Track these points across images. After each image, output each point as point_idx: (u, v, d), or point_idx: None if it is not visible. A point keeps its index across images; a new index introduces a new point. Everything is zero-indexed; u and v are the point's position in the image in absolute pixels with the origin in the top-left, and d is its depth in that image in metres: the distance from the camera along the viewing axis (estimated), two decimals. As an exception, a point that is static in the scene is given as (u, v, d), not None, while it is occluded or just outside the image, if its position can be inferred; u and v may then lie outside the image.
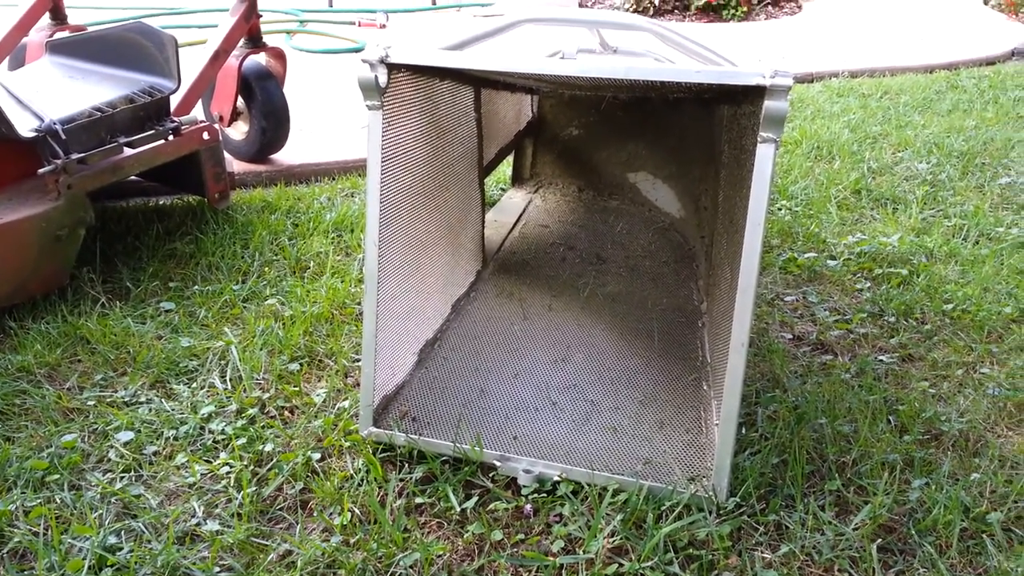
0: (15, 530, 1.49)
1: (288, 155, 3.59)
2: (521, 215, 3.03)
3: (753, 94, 1.69)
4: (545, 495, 1.60)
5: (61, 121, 2.29)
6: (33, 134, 2.23)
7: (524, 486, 1.62)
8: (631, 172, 3.08)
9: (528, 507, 1.58)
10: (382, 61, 1.63)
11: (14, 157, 2.32)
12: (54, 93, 2.51)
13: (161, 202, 3.06)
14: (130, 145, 2.48)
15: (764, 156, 1.45)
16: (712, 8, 7.13)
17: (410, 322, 2.05)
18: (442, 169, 2.17)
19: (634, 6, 7.21)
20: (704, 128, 2.61)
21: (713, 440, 1.79)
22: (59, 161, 2.24)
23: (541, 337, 2.21)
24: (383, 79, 1.63)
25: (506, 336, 2.21)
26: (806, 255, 2.65)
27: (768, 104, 1.44)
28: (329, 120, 4.12)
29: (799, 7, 7.63)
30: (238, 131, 3.49)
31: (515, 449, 1.74)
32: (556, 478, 1.64)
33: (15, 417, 1.83)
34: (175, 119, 2.63)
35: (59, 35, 3.56)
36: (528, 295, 2.44)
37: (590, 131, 3.18)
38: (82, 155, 2.30)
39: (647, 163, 3.05)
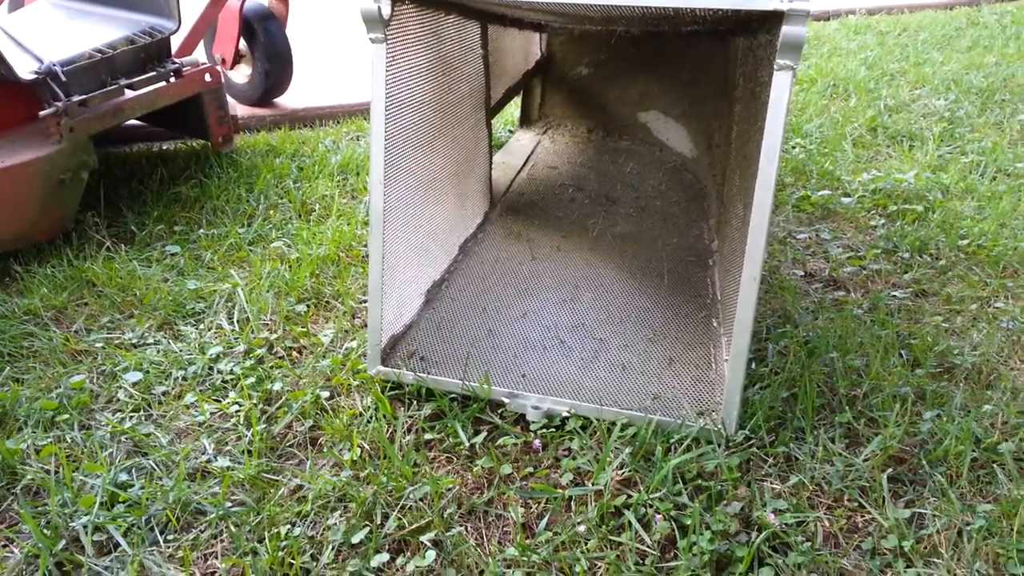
0: (27, 468, 1.50)
1: (292, 99, 3.54)
2: (529, 157, 2.98)
3: (770, 21, 1.63)
4: (554, 431, 1.60)
5: (61, 63, 2.25)
6: (33, 76, 2.19)
7: (533, 422, 1.62)
8: (642, 111, 3.02)
9: (537, 442, 1.57)
10: None
11: (14, 100, 2.28)
12: (54, 35, 2.46)
13: (165, 147, 3.03)
14: (131, 87, 2.44)
15: (781, 84, 1.40)
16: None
17: (417, 263, 2.03)
18: (448, 108, 2.12)
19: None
20: (718, 62, 2.55)
21: (723, 375, 1.77)
22: (60, 103, 2.20)
23: (549, 277, 2.19)
24: (386, 10, 1.58)
25: (514, 276, 2.19)
26: (820, 193, 2.60)
27: (786, 29, 1.39)
28: (332, 62, 4.05)
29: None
30: (241, 74, 3.44)
31: (523, 387, 1.73)
32: (565, 414, 1.63)
33: (23, 359, 1.84)
34: (176, 61, 2.59)
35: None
36: (536, 236, 2.41)
37: (600, 69, 3.11)
38: (83, 97, 2.27)
39: (658, 101, 2.98)
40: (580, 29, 3.03)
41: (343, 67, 4.04)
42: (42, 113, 2.19)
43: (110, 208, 2.46)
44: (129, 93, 2.44)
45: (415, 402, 1.70)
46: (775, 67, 1.39)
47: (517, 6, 1.95)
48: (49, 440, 1.57)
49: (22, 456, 1.53)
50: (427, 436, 1.60)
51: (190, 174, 2.74)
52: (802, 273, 2.18)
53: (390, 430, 1.60)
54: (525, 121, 3.25)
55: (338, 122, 3.44)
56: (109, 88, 2.37)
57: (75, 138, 2.25)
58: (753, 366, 1.75)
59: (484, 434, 1.58)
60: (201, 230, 2.41)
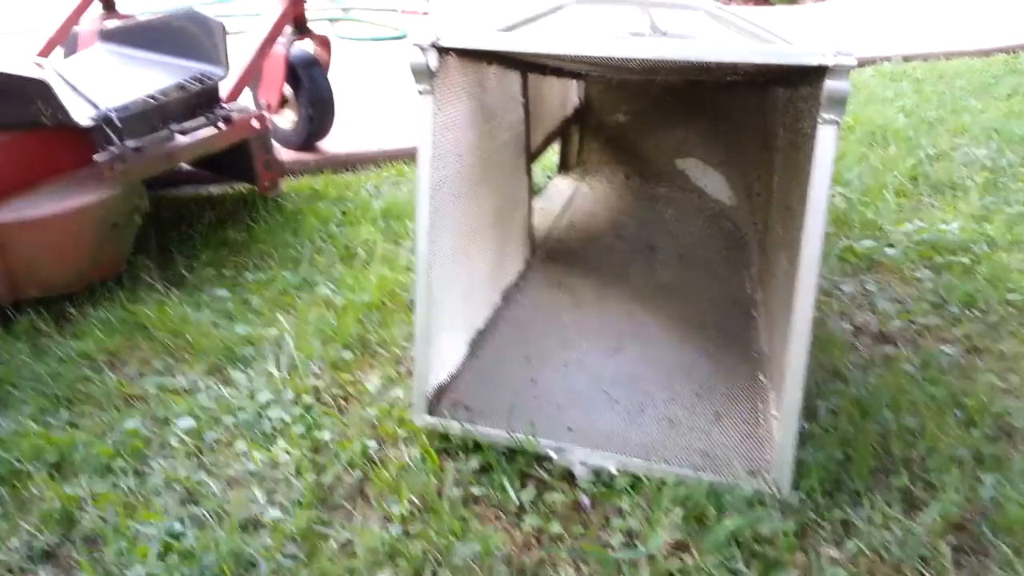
0: (84, 514, 1.52)
1: (334, 143, 3.60)
2: (568, 203, 3.00)
3: (813, 75, 1.64)
4: (602, 487, 1.59)
5: (116, 109, 2.31)
6: (90, 122, 2.26)
7: (580, 478, 1.61)
8: (680, 158, 3.04)
9: (585, 500, 1.57)
10: (433, 45, 1.62)
11: (70, 145, 2.34)
12: (108, 81, 2.54)
13: (212, 190, 3.09)
14: (182, 132, 2.50)
15: (825, 138, 1.41)
16: (758, -11, 6.99)
17: (461, 311, 2.05)
18: (491, 155, 2.15)
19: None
20: (757, 112, 2.56)
21: (771, 432, 1.76)
22: (115, 149, 2.26)
23: (592, 327, 2.19)
24: (434, 63, 1.62)
25: (556, 325, 2.20)
26: (863, 243, 2.59)
27: (830, 84, 1.40)
28: (373, 108, 4.12)
29: (847, -12, 7.44)
30: (285, 119, 3.51)
31: (570, 440, 1.73)
32: (613, 470, 1.62)
33: (79, 403, 1.87)
34: (225, 107, 2.65)
35: (109, 23, 3.61)
36: (578, 284, 2.42)
37: (638, 117, 3.14)
38: (137, 143, 2.33)
39: (697, 149, 3.00)
40: (618, 79, 3.06)
41: (382, 112, 4.11)
42: (97, 158, 2.25)
43: (161, 251, 2.51)
44: (180, 139, 2.50)
45: (462, 454, 1.70)
46: (819, 121, 1.41)
47: (561, 58, 1.98)
48: (105, 487, 1.59)
49: (79, 503, 1.55)
50: (475, 490, 1.59)
51: (238, 218, 2.79)
52: (850, 327, 2.16)
53: (438, 484, 1.60)
54: (563, 167, 3.28)
55: (379, 166, 3.49)
56: (161, 134, 2.43)
57: (128, 183, 2.30)
58: (803, 424, 1.73)
59: (533, 490, 1.58)
60: (249, 274, 2.45)
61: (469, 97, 1.91)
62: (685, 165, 3.02)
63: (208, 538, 1.45)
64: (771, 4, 6.92)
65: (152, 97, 2.43)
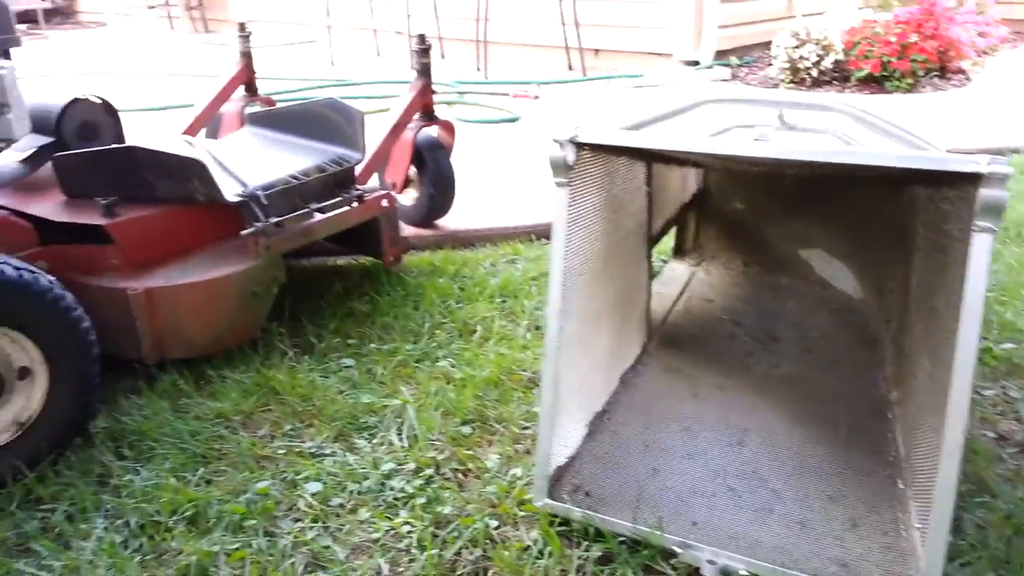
0: (218, 571, 1.57)
1: (452, 220, 3.73)
2: (684, 288, 2.99)
3: (960, 179, 1.61)
4: (731, 588, 1.53)
5: (262, 187, 2.48)
6: (238, 199, 2.42)
7: (707, 576, 1.56)
8: (803, 248, 2.99)
9: (713, 599, 1.51)
10: (571, 140, 1.67)
11: (218, 219, 2.51)
12: (254, 161, 2.72)
13: (339, 262, 3.23)
14: (320, 211, 2.64)
15: (981, 246, 1.37)
16: (874, 79, 6.90)
17: (581, 393, 2.05)
18: (617, 243, 2.18)
19: (790, 76, 7.10)
20: (890, 208, 2.51)
21: (914, 545, 1.66)
22: (259, 224, 2.41)
23: (713, 418, 2.15)
24: (571, 157, 1.68)
25: (677, 414, 2.16)
26: (1003, 346, 2.46)
27: (985, 193, 1.37)
28: (487, 187, 4.26)
29: (968, 79, 7.26)
30: (408, 197, 3.66)
31: (695, 536, 1.68)
32: (743, 573, 1.56)
33: (214, 461, 1.96)
34: (359, 187, 2.80)
35: (251, 106, 3.91)
36: (697, 372, 2.39)
37: (757, 205, 3.12)
38: (279, 219, 2.48)
39: (821, 240, 2.94)
40: (739, 169, 3.07)
41: (496, 191, 4.24)
42: (243, 233, 2.40)
43: (292, 319, 2.63)
44: (317, 216, 2.64)
45: (583, 541, 1.67)
46: (975, 228, 1.37)
47: (696, 155, 2.01)
48: (238, 544, 1.65)
49: (214, 558, 1.60)
50: (597, 580, 1.56)
51: (363, 290, 2.90)
52: (993, 435, 2.04)
53: (561, 570, 1.58)
54: (679, 252, 3.28)
55: (495, 244, 3.58)
56: (301, 212, 2.58)
57: (270, 256, 2.44)
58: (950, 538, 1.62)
59: (658, 584, 1.53)
60: (372, 344, 2.53)
61: (600, 188, 1.96)
62: (809, 256, 2.97)
63: (335, 606, 1.47)
64: (887, 92, 6.82)
65: (294, 177, 2.60)
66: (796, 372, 2.40)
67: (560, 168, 1.69)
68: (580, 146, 1.69)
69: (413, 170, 3.57)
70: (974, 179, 1.40)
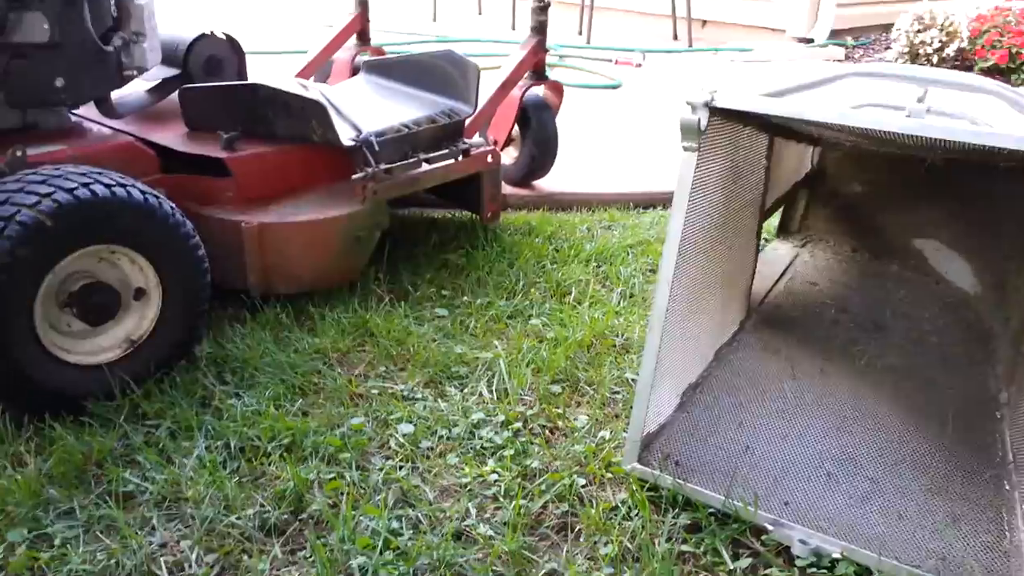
0: (313, 498, 1.63)
1: (548, 182, 3.70)
2: (787, 269, 2.89)
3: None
4: (822, 571, 1.49)
5: (375, 134, 2.51)
6: (352, 143, 2.46)
7: (799, 556, 1.52)
8: (918, 238, 2.85)
9: (802, 580, 1.47)
10: (706, 104, 1.62)
11: (329, 161, 2.56)
12: (368, 108, 2.76)
13: (435, 215, 3.26)
14: (427, 161, 2.66)
15: None
16: (1000, 71, 6.48)
17: (678, 363, 2.01)
18: (732, 215, 2.12)
19: (908, 61, 6.73)
20: (1021, 202, 2.36)
21: (1019, 547, 1.58)
22: (370, 170, 2.45)
23: (812, 401, 2.08)
24: (704, 122, 1.63)
25: (773, 393, 2.11)
26: None
27: None
28: (585, 152, 4.21)
29: (1108, 73, 6.74)
30: (508, 155, 3.65)
31: (787, 515, 1.64)
32: (836, 555, 1.52)
33: (311, 394, 2.01)
34: (466, 141, 2.80)
35: (362, 56, 3.95)
36: (796, 354, 2.31)
37: (874, 190, 2.98)
38: (388, 166, 2.51)
39: (940, 231, 2.80)
40: (859, 147, 2.93)
41: (595, 157, 4.19)
42: (354, 177, 2.44)
43: (390, 266, 2.67)
44: (424, 166, 2.66)
45: (670, 508, 1.65)
46: None
47: (838, 130, 1.91)
48: (332, 475, 1.69)
49: (309, 486, 1.66)
50: (683, 547, 1.55)
51: (458, 244, 2.92)
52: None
53: (648, 533, 1.56)
54: (783, 231, 3.17)
55: (591, 209, 3.54)
56: (409, 160, 2.60)
57: (376, 201, 2.48)
58: (1064, 546, 1.54)
59: (747, 560, 1.51)
60: (466, 297, 2.55)
61: (724, 157, 1.90)
62: (924, 246, 2.82)
63: (423, 542, 1.50)
64: (1013, 84, 6.40)
65: (406, 126, 2.62)
66: (902, 363, 2.30)
67: (691, 132, 1.64)
68: (713, 111, 1.63)
69: (516, 129, 3.55)
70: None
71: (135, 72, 2.30)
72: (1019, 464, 1.81)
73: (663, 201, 3.65)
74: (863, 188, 2.99)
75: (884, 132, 1.52)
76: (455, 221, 3.18)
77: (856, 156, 3.00)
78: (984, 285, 2.64)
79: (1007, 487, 1.77)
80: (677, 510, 1.63)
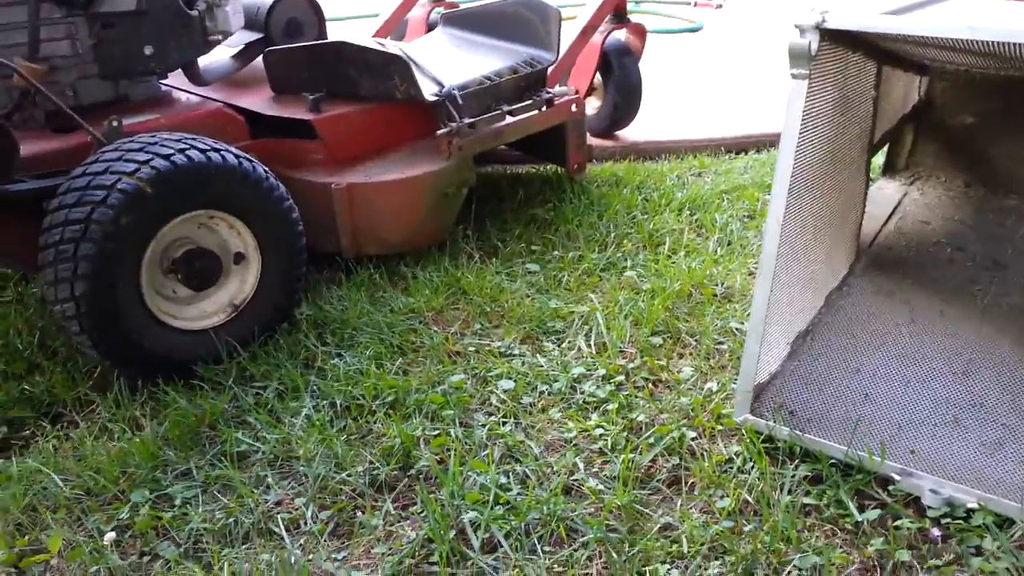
0: (420, 454, 1.62)
1: (632, 132, 3.59)
2: (896, 208, 2.72)
3: None
4: (958, 521, 1.39)
5: (458, 87, 2.46)
6: (434, 98, 2.42)
7: (930, 507, 1.43)
8: (1039, 168, 2.63)
9: (935, 531, 1.39)
10: (817, 27, 1.50)
11: (413, 117, 2.53)
12: (448, 61, 2.71)
13: (519, 170, 3.21)
14: (511, 113, 2.60)
15: None
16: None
17: (787, 309, 1.91)
18: (839, 150, 1.99)
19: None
20: None
21: None
22: (454, 124, 2.40)
23: (933, 344, 1.96)
24: (815, 45, 1.51)
25: (891, 338, 1.99)
26: None
27: None
28: (668, 99, 4.06)
29: None
30: (590, 105, 3.55)
31: (914, 464, 1.55)
32: (971, 505, 1.42)
33: (410, 352, 2.01)
34: (549, 91, 2.72)
35: (436, 11, 3.89)
36: (913, 296, 2.18)
37: (987, 120, 2.77)
38: (472, 120, 2.46)
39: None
40: (970, 75, 2.72)
41: (678, 103, 4.05)
42: (439, 133, 2.41)
43: (477, 223, 2.63)
44: (508, 119, 2.60)
45: (787, 460, 1.58)
46: None
47: (968, 50, 1.75)
48: (437, 432, 1.69)
49: (415, 442, 1.65)
50: (805, 500, 1.47)
51: (544, 198, 2.86)
52: None
53: (763, 485, 1.50)
54: (889, 169, 2.99)
55: (680, 157, 3.42)
56: (493, 113, 2.55)
57: (462, 157, 2.44)
58: None
59: (875, 511, 1.42)
60: (556, 252, 2.50)
61: (833, 86, 1.77)
62: (1046, 176, 2.61)
63: (532, 496, 1.48)
64: None
65: (488, 78, 2.56)
66: (1029, 303, 2.14)
67: (801, 58, 1.52)
68: (824, 33, 1.51)
69: (598, 78, 3.44)
70: None
71: (220, 36, 2.31)
72: None
73: (755, 145, 3.50)
74: (974, 119, 2.78)
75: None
76: (540, 175, 3.12)
77: (966, 84, 2.78)
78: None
79: None
80: (796, 462, 1.56)
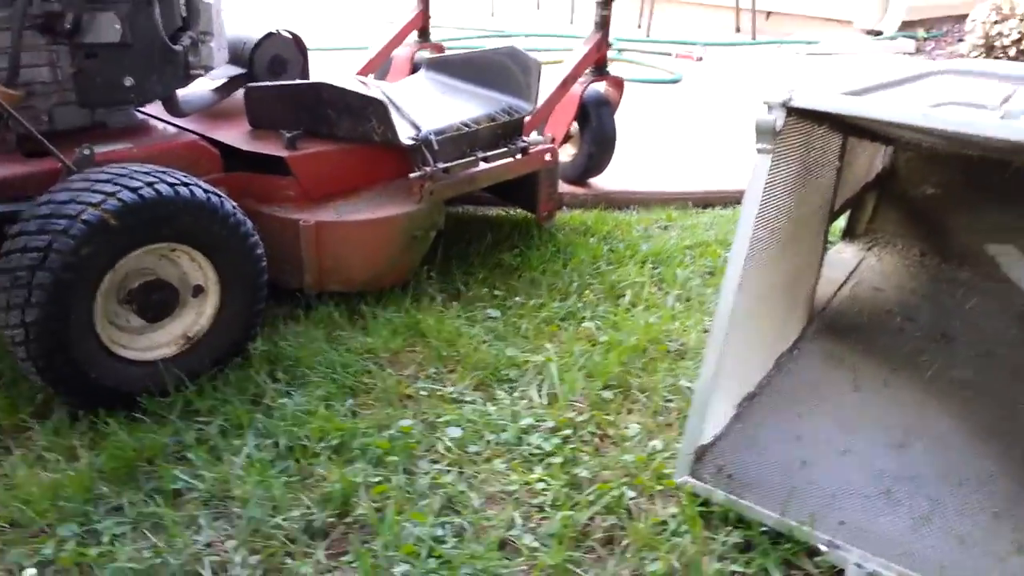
0: (359, 501, 1.63)
1: (604, 180, 3.66)
2: (852, 273, 2.79)
3: None
4: (880, 597, 1.43)
5: (434, 132, 2.50)
6: (411, 142, 2.45)
7: (854, 581, 1.46)
8: (992, 243, 2.71)
9: (858, 606, 1.42)
10: (784, 104, 1.56)
11: (388, 159, 2.56)
12: (428, 105, 2.75)
13: (490, 212, 3.25)
14: (485, 160, 2.65)
15: None
16: (1090, 63, 6.13)
17: (736, 372, 1.96)
18: (801, 218, 2.06)
19: (983, 54, 6.43)
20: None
21: (1094, 582, 1.49)
22: (428, 169, 2.44)
23: (875, 415, 2.00)
24: (780, 123, 1.57)
25: (834, 406, 2.03)
26: None
27: None
28: (643, 149, 4.14)
29: None
30: (565, 153, 3.62)
31: (842, 536, 1.58)
32: (893, 581, 1.46)
33: (362, 394, 2.03)
34: (524, 139, 2.78)
35: (422, 52, 3.97)
36: (859, 364, 2.23)
37: (948, 191, 2.85)
38: (446, 165, 2.50)
39: (1015, 236, 2.66)
40: (933, 147, 2.81)
41: (651, 153, 4.12)
42: (412, 176, 2.44)
43: (443, 264, 2.66)
44: (482, 165, 2.65)
45: (721, 524, 1.61)
46: None
47: (925, 132, 1.82)
48: (379, 478, 1.70)
49: (356, 489, 1.66)
50: (733, 567, 1.50)
51: (512, 243, 2.90)
52: None
53: (696, 551, 1.53)
54: (849, 233, 3.06)
55: (649, 209, 3.48)
56: (467, 159, 2.59)
57: (433, 201, 2.48)
58: None
59: (800, 582, 1.46)
60: (518, 298, 2.54)
61: (797, 159, 1.84)
62: (998, 252, 2.69)
63: (467, 551, 1.50)
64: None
65: (465, 125, 2.60)
66: (970, 378, 2.20)
67: (767, 133, 1.58)
68: (790, 111, 1.57)
69: (575, 126, 3.51)
70: None
71: (202, 71, 2.35)
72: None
73: (722, 200, 3.58)
74: (935, 189, 2.86)
75: (974, 135, 1.44)
76: (510, 219, 3.16)
77: (929, 157, 2.87)
78: (1065, 296, 2.51)
79: (1081, 514, 1.67)
80: (729, 527, 1.59)
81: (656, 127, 4.62)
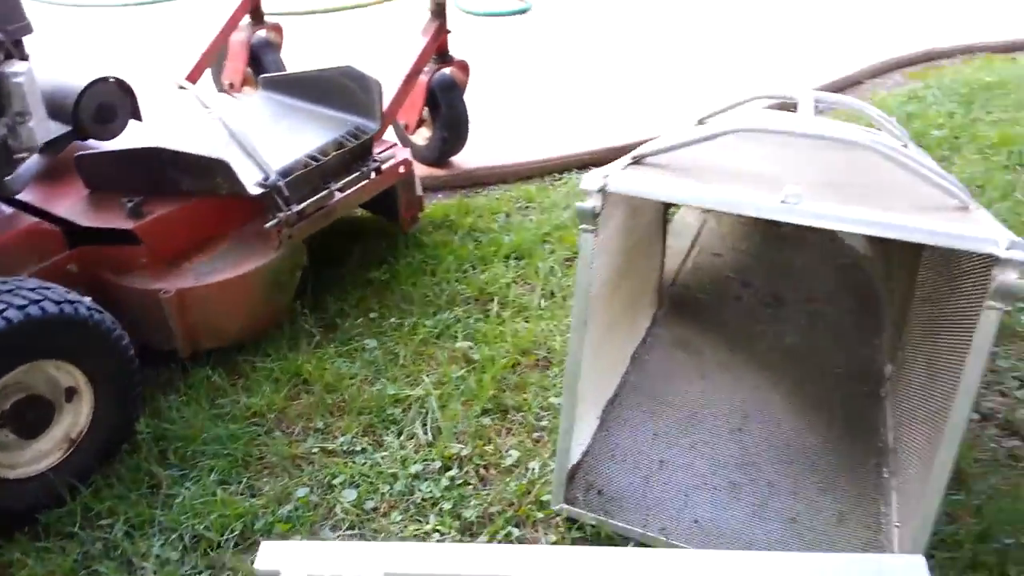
0: (271, 588, 1.78)
1: (465, 157, 3.73)
2: (695, 240, 3.04)
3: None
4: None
5: (282, 173, 2.50)
6: (259, 190, 2.45)
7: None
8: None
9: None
10: (600, 190, 1.68)
11: (239, 207, 2.53)
12: (271, 136, 2.71)
13: (356, 214, 3.26)
14: (340, 189, 2.67)
15: (987, 324, 1.41)
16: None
17: (597, 387, 2.17)
18: (634, 245, 2.23)
19: None
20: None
21: (892, 542, 1.83)
22: (281, 215, 2.46)
23: (718, 401, 2.27)
24: (599, 207, 1.69)
25: (683, 398, 2.29)
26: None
27: (1003, 278, 1.38)
28: (500, 106, 4.17)
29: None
30: (420, 136, 3.66)
31: (698, 535, 1.86)
32: None
33: (255, 463, 2.13)
34: (376, 158, 2.80)
35: (259, 33, 3.85)
36: (703, 345, 2.50)
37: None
38: (301, 207, 2.51)
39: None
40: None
41: (509, 111, 4.19)
42: (266, 226, 2.45)
43: (316, 293, 2.71)
44: (338, 195, 2.67)
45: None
46: (984, 306, 1.41)
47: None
48: (286, 560, 1.84)
49: None
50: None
51: (380, 256, 2.98)
52: (976, 415, 2.16)
53: (574, 578, 1.76)
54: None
55: (508, 183, 3.61)
56: (321, 194, 2.60)
57: (292, 244, 2.52)
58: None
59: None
60: (393, 319, 2.65)
61: (621, 215, 1.98)
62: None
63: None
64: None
65: (313, 158, 2.60)
66: (799, 343, 2.51)
67: (587, 217, 1.69)
68: (607, 194, 1.69)
69: (427, 111, 3.54)
70: (990, 260, 1.39)
71: (25, 154, 2.26)
72: (898, 446, 2.05)
73: (586, 163, 3.71)
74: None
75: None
76: (374, 224, 3.19)
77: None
78: (873, 247, 2.84)
79: (885, 474, 2.01)
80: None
81: (510, 72, 4.60)
